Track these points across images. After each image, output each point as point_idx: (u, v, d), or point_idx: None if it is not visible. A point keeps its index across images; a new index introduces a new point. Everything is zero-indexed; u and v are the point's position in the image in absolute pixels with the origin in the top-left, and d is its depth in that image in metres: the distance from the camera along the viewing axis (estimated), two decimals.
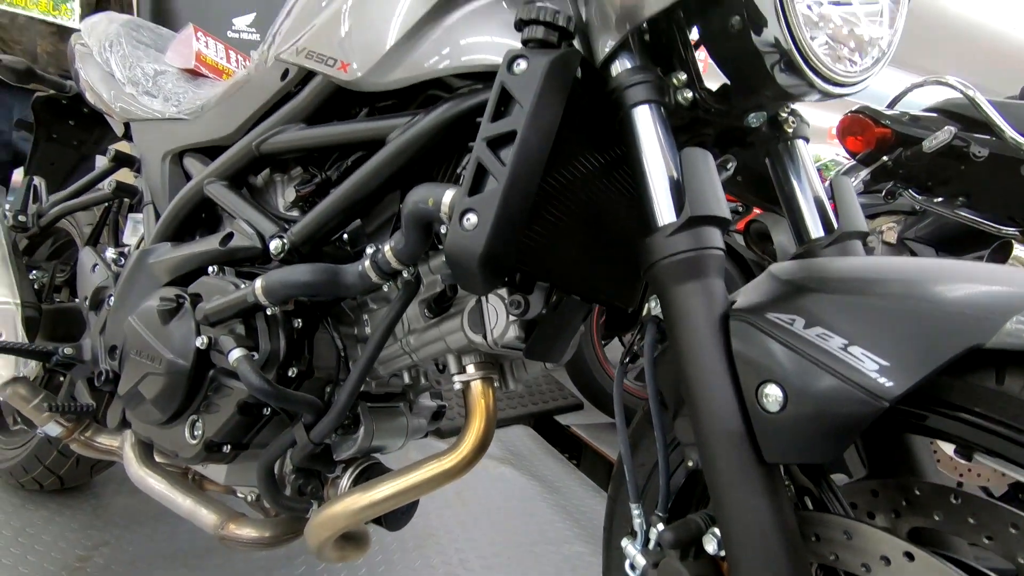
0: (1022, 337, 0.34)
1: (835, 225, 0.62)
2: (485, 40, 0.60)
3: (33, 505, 1.24)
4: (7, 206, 1.15)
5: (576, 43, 0.57)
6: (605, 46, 0.54)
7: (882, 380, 0.37)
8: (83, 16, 2.05)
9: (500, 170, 0.50)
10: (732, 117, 0.59)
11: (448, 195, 0.55)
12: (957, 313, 0.36)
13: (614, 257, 0.67)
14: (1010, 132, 1.19)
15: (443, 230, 0.57)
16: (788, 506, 0.44)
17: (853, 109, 1.40)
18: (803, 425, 0.40)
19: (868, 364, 0.38)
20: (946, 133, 1.21)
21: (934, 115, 1.37)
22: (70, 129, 1.42)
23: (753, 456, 0.43)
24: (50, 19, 2.00)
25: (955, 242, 1.86)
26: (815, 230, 0.63)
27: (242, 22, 2.47)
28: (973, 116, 1.27)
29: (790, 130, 0.64)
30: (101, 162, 1.18)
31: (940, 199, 1.48)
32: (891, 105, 1.42)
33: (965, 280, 0.39)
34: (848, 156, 1.50)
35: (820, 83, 0.51)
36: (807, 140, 0.66)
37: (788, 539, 0.42)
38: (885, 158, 1.33)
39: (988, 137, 1.25)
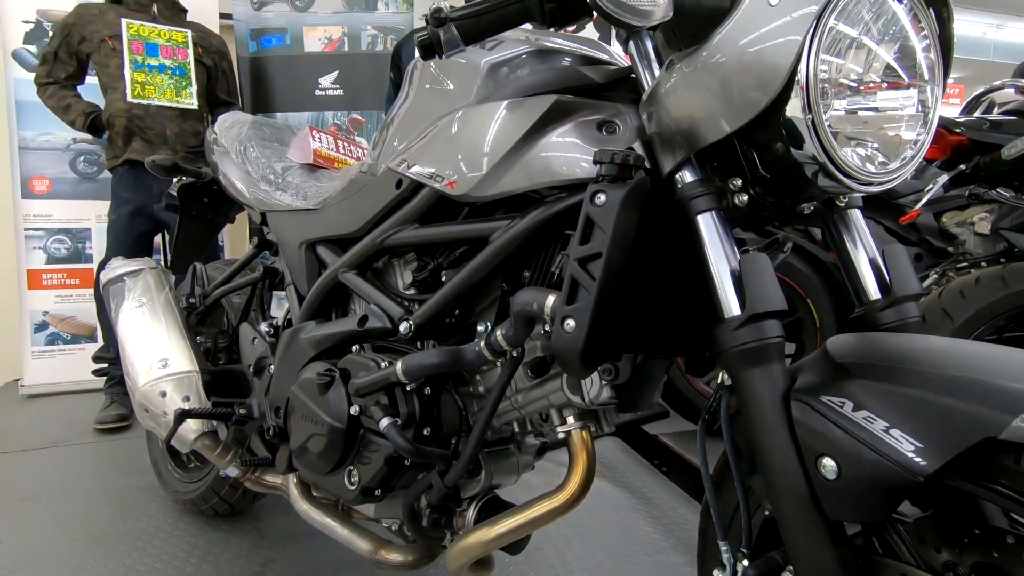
0: None
1: (890, 286, 0.70)
2: (569, 157, 0.72)
3: (211, 528, 1.51)
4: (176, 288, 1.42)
5: (639, 147, 0.68)
6: (669, 162, 0.65)
7: (917, 459, 0.47)
8: (199, 98, 2.37)
9: (590, 284, 0.63)
10: (786, 206, 0.69)
11: (550, 301, 0.68)
12: (976, 408, 0.45)
13: (687, 315, 0.78)
14: None
15: (546, 328, 0.70)
16: (850, 553, 0.53)
17: None
18: (856, 491, 0.50)
19: (906, 445, 0.48)
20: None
21: (1012, 119, 1.34)
22: (205, 206, 1.69)
23: (817, 514, 0.53)
24: (174, 105, 2.33)
25: None
26: (872, 292, 0.70)
27: (327, 80, 2.74)
28: None
29: (842, 203, 0.72)
30: (229, 230, 1.39)
31: None
32: (964, 112, 1.40)
33: (988, 373, 0.47)
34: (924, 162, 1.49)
35: (856, 185, 0.60)
36: (861, 208, 0.73)
37: None
38: (963, 166, 1.33)
39: None
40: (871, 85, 0.60)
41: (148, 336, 1.26)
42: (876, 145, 0.61)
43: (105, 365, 2.38)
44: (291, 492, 1.12)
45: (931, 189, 1.44)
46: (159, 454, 1.68)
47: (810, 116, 0.56)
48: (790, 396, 0.56)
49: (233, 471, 1.18)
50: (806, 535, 0.54)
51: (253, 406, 1.17)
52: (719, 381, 0.68)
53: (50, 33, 2.50)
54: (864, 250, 0.71)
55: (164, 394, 1.19)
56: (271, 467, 1.18)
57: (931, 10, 0.61)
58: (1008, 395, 0.44)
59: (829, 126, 0.58)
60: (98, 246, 2.71)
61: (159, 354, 1.23)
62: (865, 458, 0.49)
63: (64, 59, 2.28)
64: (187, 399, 1.19)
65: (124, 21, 2.25)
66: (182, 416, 1.14)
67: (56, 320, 2.73)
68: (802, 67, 0.55)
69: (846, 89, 0.58)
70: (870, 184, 0.61)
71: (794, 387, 0.57)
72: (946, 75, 0.63)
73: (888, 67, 0.59)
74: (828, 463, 0.51)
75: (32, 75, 2.38)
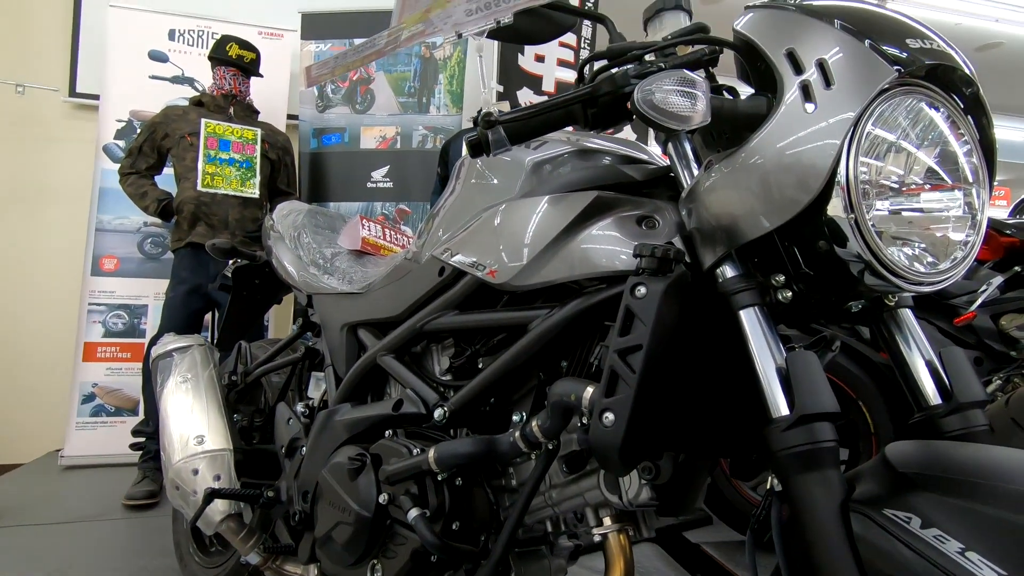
0: None
1: (950, 390, 0.65)
2: (609, 250, 0.73)
3: None
4: (219, 364, 1.45)
5: (678, 242, 0.69)
6: (710, 257, 0.65)
7: None
8: (260, 187, 2.56)
9: (630, 377, 0.61)
10: (832, 303, 0.67)
11: (588, 392, 0.67)
12: None
13: (732, 415, 0.74)
14: None
15: (584, 420, 0.68)
16: None
17: None
18: None
19: (987, 572, 0.43)
20: None
21: None
22: (256, 287, 1.76)
23: None
24: (238, 194, 2.51)
25: None
26: (932, 397, 0.66)
27: (378, 174, 2.93)
28: None
29: (892, 303, 0.70)
30: (275, 312, 1.44)
31: None
32: (1013, 213, 1.38)
33: None
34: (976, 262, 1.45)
35: (905, 284, 0.58)
36: (912, 308, 0.71)
37: None
38: (1017, 268, 1.29)
39: None
40: (913, 187, 0.60)
41: (188, 412, 1.28)
42: (923, 245, 0.60)
43: (143, 440, 2.41)
44: None
45: (986, 291, 1.39)
46: (183, 535, 1.64)
47: (852, 216, 0.56)
48: (848, 507, 0.52)
49: (255, 558, 1.15)
50: None
51: (282, 489, 1.15)
52: (768, 486, 0.64)
53: (138, 130, 2.78)
54: (920, 352, 0.68)
55: (196, 471, 1.18)
56: (293, 556, 1.14)
57: (970, 117, 0.62)
58: None
59: (872, 225, 0.57)
60: (152, 322, 2.84)
61: (196, 431, 1.24)
62: None
63: (147, 152, 2.53)
64: (218, 478, 1.18)
65: (203, 121, 2.50)
66: (211, 496, 1.12)
67: (103, 392, 2.82)
68: (842, 168, 0.56)
69: (888, 190, 0.59)
70: (920, 284, 0.59)
71: (853, 497, 0.53)
72: (991, 178, 0.63)
73: (930, 170, 0.60)
74: None
75: (117, 166, 2.62)
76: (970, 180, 0.61)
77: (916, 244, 0.60)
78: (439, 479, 0.83)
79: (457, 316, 0.92)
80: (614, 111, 0.71)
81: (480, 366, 0.91)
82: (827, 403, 0.56)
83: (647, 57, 0.71)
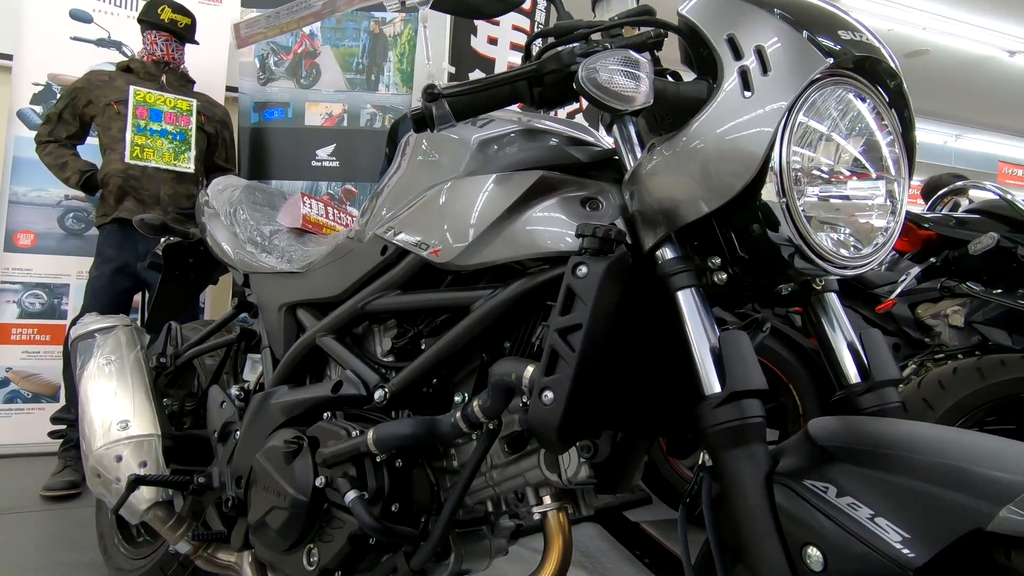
0: (1014, 524, 0.41)
1: (868, 370, 0.69)
2: (553, 231, 0.73)
3: None
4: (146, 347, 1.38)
5: (620, 224, 0.70)
6: (650, 239, 0.67)
7: (905, 551, 0.45)
8: (196, 163, 2.43)
9: (570, 356, 0.62)
10: (764, 286, 0.70)
11: (528, 372, 0.67)
12: (964, 497, 0.44)
13: (668, 394, 0.76)
14: None
15: (524, 399, 0.69)
16: None
17: None
18: None
19: (892, 535, 0.46)
20: (990, 239, 1.26)
21: (977, 217, 1.41)
22: (189, 266, 1.68)
23: None
24: (171, 168, 2.37)
25: None
26: (852, 376, 0.70)
27: (324, 153, 2.83)
28: (1018, 217, 1.31)
29: (819, 287, 0.73)
30: (211, 292, 1.37)
31: (999, 291, 1.49)
32: (930, 208, 1.48)
33: (973, 462, 0.46)
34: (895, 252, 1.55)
35: (830, 268, 0.61)
36: (837, 292, 0.75)
37: None
38: (932, 259, 1.38)
39: None
40: (841, 175, 0.63)
41: (111, 396, 1.20)
42: (849, 231, 0.63)
43: (64, 427, 2.26)
44: (244, 572, 1.04)
45: (904, 280, 1.49)
46: (107, 526, 1.56)
47: (784, 200, 0.58)
48: (772, 479, 0.54)
49: (184, 546, 1.10)
50: None
51: (213, 475, 1.10)
52: (700, 462, 0.66)
53: (58, 95, 2.58)
54: (843, 334, 0.72)
55: (120, 458, 1.12)
56: (226, 543, 1.09)
57: (893, 111, 0.66)
58: (996, 485, 0.43)
59: (803, 211, 0.60)
60: (74, 303, 2.66)
61: (120, 415, 1.17)
62: (852, 549, 0.47)
63: (68, 120, 2.34)
64: (144, 464, 1.12)
65: (132, 88, 2.33)
66: (135, 483, 1.07)
67: (19, 377, 2.63)
68: (775, 155, 0.58)
69: (817, 178, 0.61)
70: (844, 268, 0.62)
71: (776, 470, 0.55)
72: (911, 172, 0.66)
73: (856, 159, 0.63)
74: (814, 553, 0.49)
75: (33, 134, 2.42)
76: (892, 171, 0.64)
77: (842, 230, 0.63)
78: (378, 461, 0.82)
79: (400, 296, 0.90)
80: (560, 90, 0.70)
81: (423, 347, 0.90)
82: (756, 381, 0.58)
83: (593, 37, 0.71)
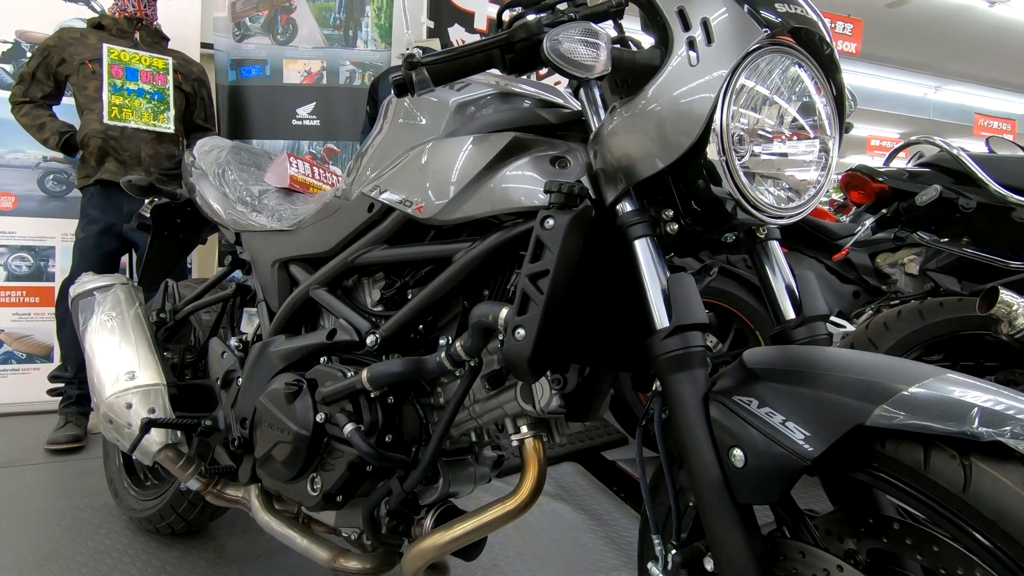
0: (887, 418, 0.51)
1: (801, 307, 0.79)
2: (525, 188, 0.81)
3: (167, 547, 1.50)
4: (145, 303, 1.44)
5: (586, 181, 0.78)
6: (611, 194, 0.75)
7: (806, 446, 0.55)
8: (176, 122, 2.42)
9: (539, 298, 0.71)
10: (712, 235, 0.78)
11: (503, 313, 0.76)
12: (849, 400, 0.54)
13: (629, 332, 0.86)
14: (993, 185, 1.32)
15: (500, 337, 0.78)
16: (758, 534, 0.61)
17: (851, 168, 1.55)
18: (759, 477, 0.58)
19: (797, 435, 0.56)
20: (933, 190, 1.35)
21: (926, 170, 1.51)
22: (178, 227, 1.72)
23: (729, 499, 0.61)
24: (151, 128, 2.37)
25: (976, 270, 1.95)
26: (788, 313, 0.80)
27: (304, 111, 2.83)
28: (962, 170, 1.40)
29: (762, 235, 0.82)
30: (198, 251, 1.43)
31: (946, 239, 1.61)
32: (886, 163, 1.57)
33: (860, 374, 0.56)
34: (853, 205, 1.65)
35: (767, 218, 0.70)
36: (779, 240, 0.84)
37: (758, 559, 0.60)
38: (884, 211, 1.48)
39: (975, 188, 1.38)
40: (782, 135, 0.71)
41: (116, 349, 1.28)
42: (786, 185, 0.72)
43: (61, 385, 2.33)
44: (252, 504, 1.15)
45: (859, 231, 1.60)
46: (115, 471, 1.66)
47: (723, 159, 0.67)
48: (709, 397, 0.64)
49: (195, 483, 1.20)
50: (720, 519, 0.61)
51: (219, 418, 1.20)
52: (653, 390, 0.76)
53: (28, 54, 2.53)
54: (781, 276, 0.81)
55: (130, 406, 1.20)
56: (233, 479, 1.20)
57: (826, 76, 0.73)
58: (875, 388, 0.54)
59: (743, 167, 0.68)
60: (61, 265, 2.69)
61: (126, 367, 1.25)
62: (765, 447, 0.57)
63: (42, 79, 2.31)
64: (152, 411, 1.21)
65: (105, 46, 2.30)
66: (148, 425, 1.16)
67: (12, 339, 2.67)
68: (716, 117, 0.66)
69: (757, 137, 0.69)
70: (780, 217, 0.71)
71: (712, 389, 0.65)
72: (841, 123, 0.74)
73: (793, 119, 0.71)
74: (737, 453, 0.59)
75: (7, 94, 2.39)
76: (827, 130, 0.72)
77: (782, 184, 0.72)
78: (372, 397, 0.91)
79: (386, 250, 0.98)
80: (529, 57, 0.77)
81: (409, 296, 0.98)
82: (699, 316, 0.67)
83: (560, 6, 0.77)
